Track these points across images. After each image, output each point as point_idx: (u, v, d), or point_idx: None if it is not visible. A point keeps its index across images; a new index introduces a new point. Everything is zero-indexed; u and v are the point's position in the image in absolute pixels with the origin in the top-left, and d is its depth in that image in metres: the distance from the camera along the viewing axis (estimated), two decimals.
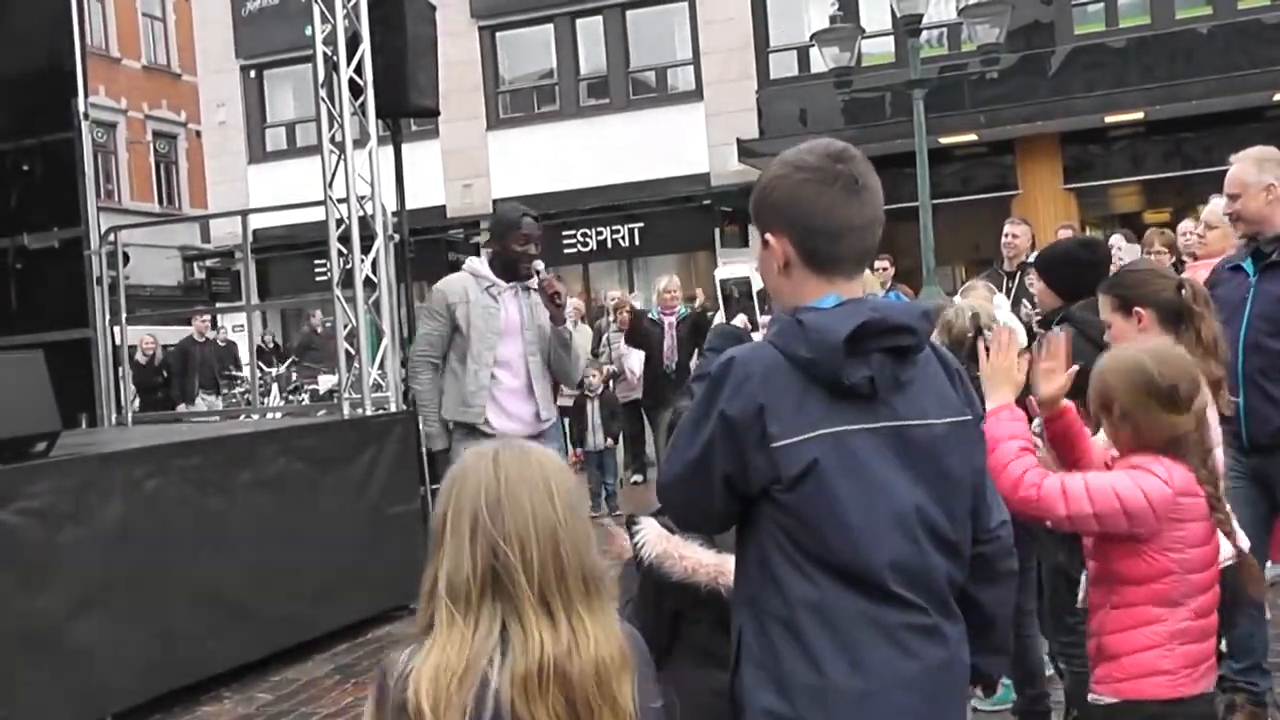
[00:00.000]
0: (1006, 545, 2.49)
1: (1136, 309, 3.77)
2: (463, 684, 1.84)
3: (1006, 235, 8.89)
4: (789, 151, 2.37)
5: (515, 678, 1.84)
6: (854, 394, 2.21)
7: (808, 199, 2.29)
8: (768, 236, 2.35)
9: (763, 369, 2.21)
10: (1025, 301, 7.63)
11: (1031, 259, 7.26)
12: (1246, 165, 4.91)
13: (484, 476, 1.94)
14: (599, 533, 2.08)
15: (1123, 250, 8.28)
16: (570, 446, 12.62)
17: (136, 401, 21.90)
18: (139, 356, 17.67)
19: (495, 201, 23.32)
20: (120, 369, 9.77)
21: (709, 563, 2.96)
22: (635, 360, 12.13)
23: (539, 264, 6.03)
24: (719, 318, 2.89)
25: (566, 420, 11.82)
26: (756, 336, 2.68)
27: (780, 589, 2.22)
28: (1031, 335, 5.00)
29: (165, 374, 17.55)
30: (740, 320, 11.62)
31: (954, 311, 4.83)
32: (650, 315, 12.10)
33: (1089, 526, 3.11)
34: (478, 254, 24.09)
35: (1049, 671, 4.87)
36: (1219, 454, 3.29)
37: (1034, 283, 4.97)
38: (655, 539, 3.08)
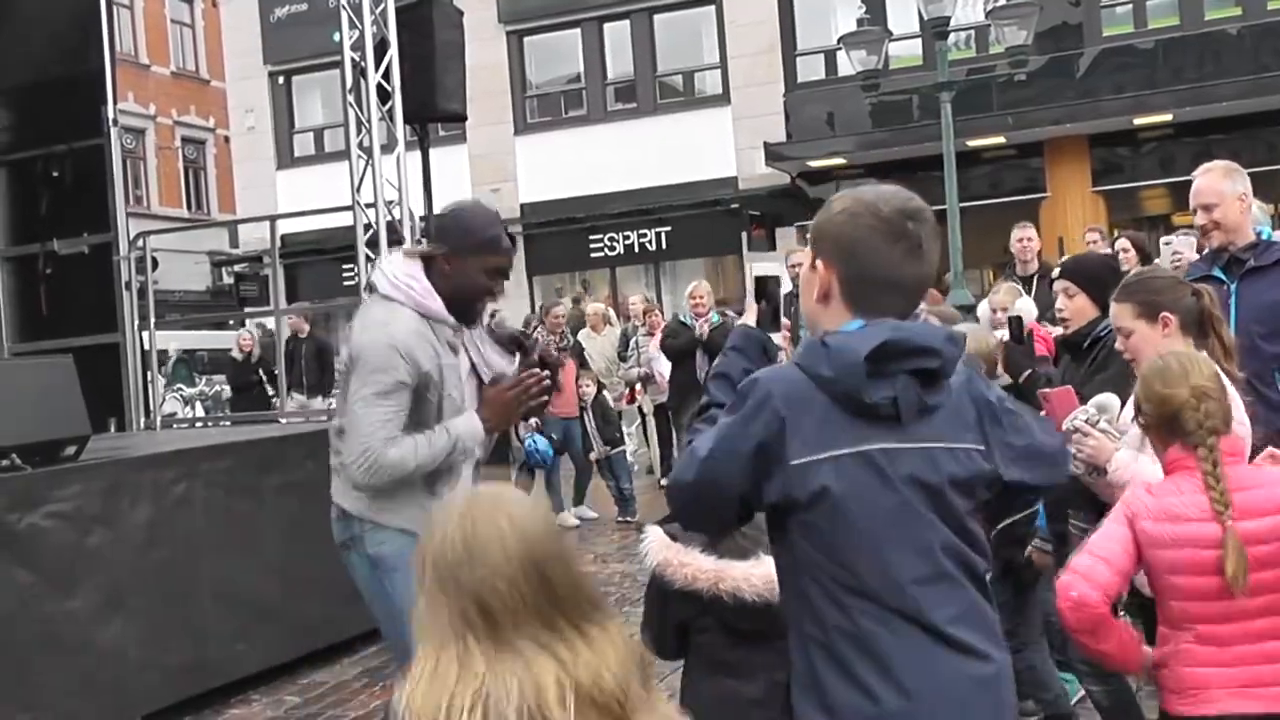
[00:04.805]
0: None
1: (1164, 314, 3.77)
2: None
3: (1019, 240, 8.88)
4: (868, 190, 2.39)
5: (549, 704, 1.83)
6: (877, 415, 2.22)
7: (868, 248, 2.32)
8: (818, 262, 2.37)
9: (784, 388, 2.24)
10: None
11: (1055, 273, 7.13)
12: (1218, 177, 4.94)
13: (450, 533, 1.95)
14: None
15: (1184, 252, 7.87)
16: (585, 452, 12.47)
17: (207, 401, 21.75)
18: (235, 354, 17.60)
19: (523, 206, 23.33)
20: (149, 373, 9.83)
21: (708, 569, 2.97)
22: (664, 363, 12.07)
23: (501, 313, 3.67)
24: (749, 317, 2.83)
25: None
26: (777, 338, 2.67)
27: (816, 614, 2.24)
28: (1072, 350, 4.89)
29: (260, 372, 17.39)
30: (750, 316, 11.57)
31: (972, 329, 4.77)
32: (683, 320, 11.89)
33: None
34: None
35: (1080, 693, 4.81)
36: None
37: (1063, 297, 4.87)
38: (658, 547, 3.09)
